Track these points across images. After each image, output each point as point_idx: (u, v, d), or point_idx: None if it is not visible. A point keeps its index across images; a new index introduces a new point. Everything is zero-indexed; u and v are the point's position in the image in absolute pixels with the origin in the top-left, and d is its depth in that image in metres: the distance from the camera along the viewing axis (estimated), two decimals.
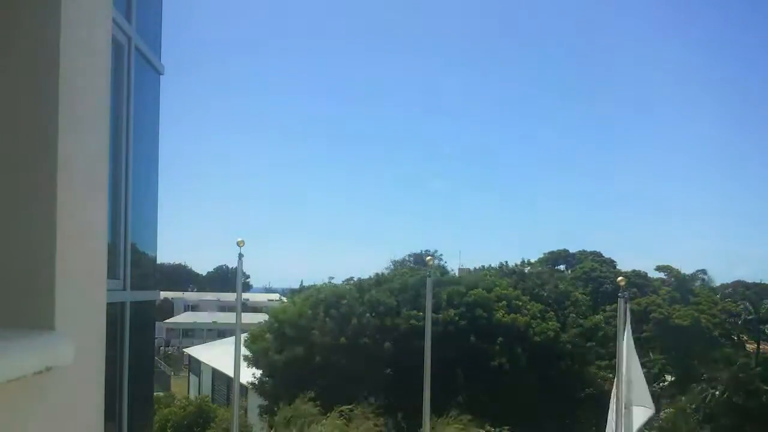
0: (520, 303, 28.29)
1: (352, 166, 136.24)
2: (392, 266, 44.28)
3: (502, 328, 26.84)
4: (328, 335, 26.14)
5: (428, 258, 19.75)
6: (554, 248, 58.17)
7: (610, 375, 26.56)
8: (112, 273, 6.44)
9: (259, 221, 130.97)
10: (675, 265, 57.71)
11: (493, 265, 37.67)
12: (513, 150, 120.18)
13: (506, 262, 38.26)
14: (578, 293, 32.35)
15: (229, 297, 66.90)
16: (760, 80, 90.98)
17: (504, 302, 27.93)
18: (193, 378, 45.56)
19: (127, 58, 6.81)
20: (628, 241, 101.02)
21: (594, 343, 29.46)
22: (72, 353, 1.60)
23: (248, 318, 34.36)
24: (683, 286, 55.18)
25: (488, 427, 21.15)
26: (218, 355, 35.41)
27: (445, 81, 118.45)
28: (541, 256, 56.32)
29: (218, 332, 58.25)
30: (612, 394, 11.99)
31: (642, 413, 11.96)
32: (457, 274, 35.82)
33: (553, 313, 28.76)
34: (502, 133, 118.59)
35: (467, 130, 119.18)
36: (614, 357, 12.93)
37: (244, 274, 15.35)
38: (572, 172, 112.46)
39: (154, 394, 18.28)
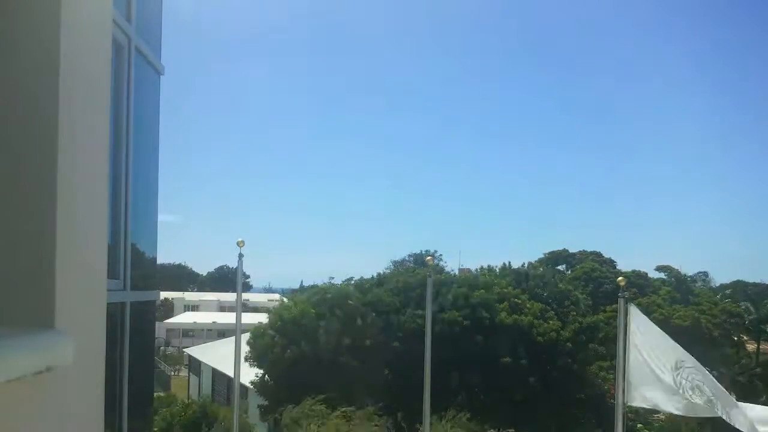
0: (520, 302, 28.24)
1: (352, 166, 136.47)
2: (392, 266, 44.18)
3: (505, 328, 26.80)
4: (330, 335, 26.12)
5: (428, 258, 19.74)
6: (554, 248, 58.13)
7: (611, 375, 26.56)
8: (112, 273, 6.43)
9: (260, 221, 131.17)
10: (675, 265, 57.65)
11: (494, 265, 37.55)
12: (513, 150, 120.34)
13: (509, 262, 38.16)
14: (578, 293, 32.27)
15: (229, 297, 66.84)
16: (760, 81, 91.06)
17: (505, 302, 27.88)
18: (193, 378, 45.53)
19: (127, 58, 6.80)
20: (628, 241, 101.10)
21: (594, 344, 29.42)
22: (72, 353, 1.60)
23: (248, 318, 34.33)
24: (683, 287, 55.05)
25: (488, 428, 21.13)
26: (218, 356, 35.41)
27: (444, 83, 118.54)
28: (541, 256, 56.26)
29: (218, 332, 58.19)
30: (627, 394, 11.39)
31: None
32: (457, 274, 35.75)
33: (553, 312, 28.71)
34: (502, 134, 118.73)
35: (467, 130, 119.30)
36: (614, 357, 12.86)
37: (244, 274, 15.32)
38: (572, 173, 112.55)
39: (154, 394, 18.24)
